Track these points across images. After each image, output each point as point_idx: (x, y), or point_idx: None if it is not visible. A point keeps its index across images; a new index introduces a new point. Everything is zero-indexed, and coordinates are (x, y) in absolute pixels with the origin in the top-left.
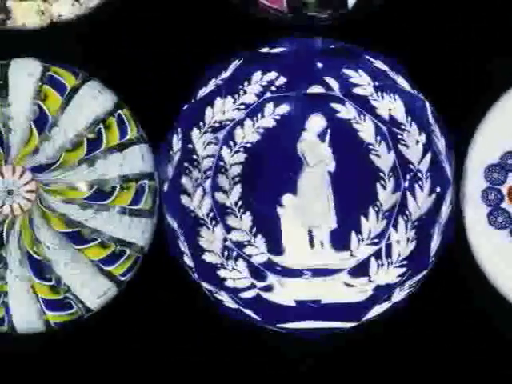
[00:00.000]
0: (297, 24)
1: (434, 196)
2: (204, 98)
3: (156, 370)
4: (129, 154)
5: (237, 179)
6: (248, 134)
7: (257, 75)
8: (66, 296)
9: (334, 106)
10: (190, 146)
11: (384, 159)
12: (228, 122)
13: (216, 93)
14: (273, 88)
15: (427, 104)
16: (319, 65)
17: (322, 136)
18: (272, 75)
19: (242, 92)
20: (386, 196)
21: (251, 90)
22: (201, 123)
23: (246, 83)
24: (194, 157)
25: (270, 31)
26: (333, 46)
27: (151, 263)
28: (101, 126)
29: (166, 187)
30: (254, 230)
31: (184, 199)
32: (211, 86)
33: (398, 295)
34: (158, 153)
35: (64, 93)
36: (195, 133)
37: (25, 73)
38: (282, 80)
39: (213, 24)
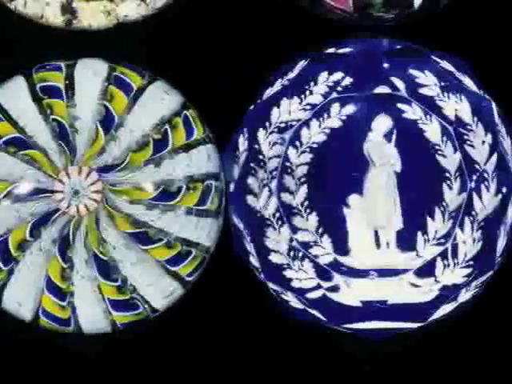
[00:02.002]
0: (362, 24)
1: (499, 196)
2: (270, 98)
3: (221, 371)
4: (195, 154)
5: (303, 179)
6: (314, 134)
7: (323, 75)
8: (132, 296)
9: (400, 106)
10: (256, 146)
11: (450, 159)
12: (294, 123)
13: (282, 93)
14: (339, 88)
15: (493, 104)
16: (385, 65)
17: (388, 136)
18: (338, 75)
19: (308, 92)
20: (452, 196)
21: (317, 91)
22: (267, 123)
23: (312, 83)
24: (260, 157)
25: (335, 31)
26: (399, 47)
27: (217, 263)
28: (167, 126)
29: (232, 187)
30: (320, 230)
31: (250, 199)
32: (277, 86)
33: (465, 295)
34: (224, 153)
35: (130, 93)
36: (261, 133)
37: (91, 73)
38: (348, 80)
39: (279, 24)
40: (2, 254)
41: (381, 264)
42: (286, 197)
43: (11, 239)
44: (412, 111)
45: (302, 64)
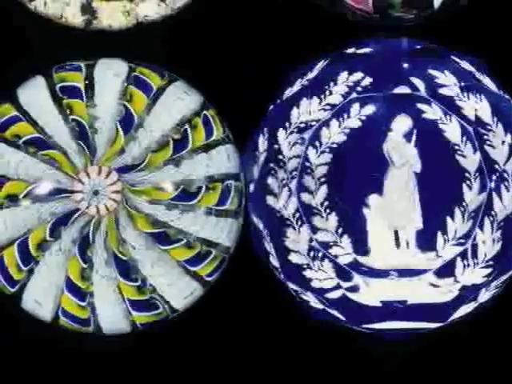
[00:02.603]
0: (382, 25)
1: None
2: (290, 98)
3: (240, 370)
4: (215, 154)
5: (322, 180)
6: (334, 134)
7: (343, 76)
8: (152, 296)
9: (420, 106)
10: (275, 146)
11: (470, 160)
12: (314, 123)
13: (302, 93)
14: (359, 88)
15: None
16: (405, 65)
17: (408, 136)
18: (358, 75)
19: (328, 92)
20: (471, 196)
21: (337, 91)
22: (287, 124)
23: (332, 84)
24: (280, 157)
25: (354, 32)
26: (419, 47)
27: (237, 264)
28: (187, 126)
29: (251, 187)
30: (340, 230)
31: (270, 200)
32: (297, 86)
33: (484, 296)
34: (244, 153)
35: (150, 93)
36: (281, 133)
37: (111, 73)
38: (367, 80)
39: (298, 24)
40: (22, 254)
41: (400, 264)
42: (305, 197)
43: (31, 239)
44: (432, 111)
45: (321, 64)
